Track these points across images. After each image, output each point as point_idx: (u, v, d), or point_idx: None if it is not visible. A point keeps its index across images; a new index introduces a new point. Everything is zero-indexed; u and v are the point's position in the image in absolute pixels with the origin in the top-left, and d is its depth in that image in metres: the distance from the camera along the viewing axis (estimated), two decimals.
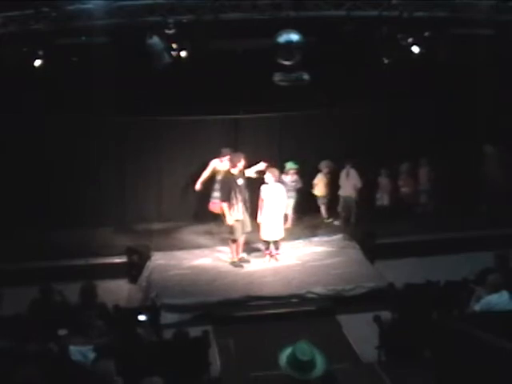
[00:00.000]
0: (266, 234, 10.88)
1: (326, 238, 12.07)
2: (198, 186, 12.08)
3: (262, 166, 10.91)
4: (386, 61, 11.26)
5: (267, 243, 11.02)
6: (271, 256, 11.05)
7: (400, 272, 10.29)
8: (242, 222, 10.77)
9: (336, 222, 12.86)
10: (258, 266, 10.95)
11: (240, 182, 10.71)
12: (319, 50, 10.68)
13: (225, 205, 10.64)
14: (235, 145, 12.59)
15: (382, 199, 13.10)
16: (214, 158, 12.04)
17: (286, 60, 9.78)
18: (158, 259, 11.16)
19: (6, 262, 10.77)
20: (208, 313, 9.52)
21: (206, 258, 11.29)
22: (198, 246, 11.86)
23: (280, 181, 11.25)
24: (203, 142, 12.66)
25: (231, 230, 10.76)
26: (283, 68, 9.99)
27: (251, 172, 10.92)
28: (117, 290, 10.31)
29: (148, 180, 13.02)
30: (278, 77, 10.15)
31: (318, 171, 12.85)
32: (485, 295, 7.29)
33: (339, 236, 12.10)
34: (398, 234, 12.02)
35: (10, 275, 10.23)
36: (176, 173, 12.94)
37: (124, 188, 12.89)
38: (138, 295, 10.38)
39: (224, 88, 11.60)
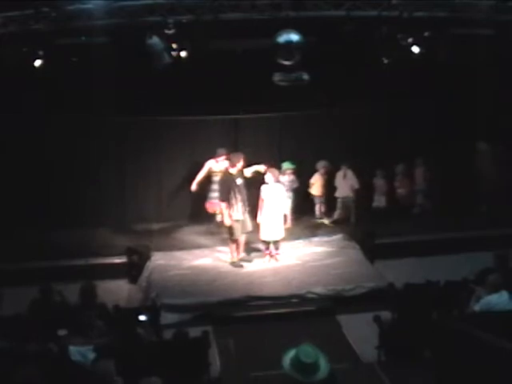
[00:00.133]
0: (266, 234, 10.88)
1: (325, 238, 12.07)
2: (193, 187, 12.10)
3: (261, 168, 10.91)
4: (385, 61, 11.26)
5: (267, 243, 11.02)
6: (271, 256, 11.04)
7: (400, 272, 10.29)
8: (242, 222, 10.78)
9: (326, 221, 12.86)
10: (257, 266, 10.94)
11: (239, 181, 10.71)
12: (319, 50, 10.68)
13: (224, 205, 10.64)
14: (235, 145, 12.61)
15: (379, 201, 13.09)
16: (210, 158, 12.07)
17: (286, 60, 9.78)
18: (158, 259, 11.16)
19: (5, 262, 10.77)
20: (208, 313, 9.51)
21: (206, 258, 11.29)
22: (198, 246, 11.86)
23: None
24: (203, 142, 12.66)
25: (230, 230, 10.76)
26: (283, 68, 9.99)
27: (249, 172, 10.91)
28: (117, 290, 10.31)
29: (148, 180, 13.03)
30: (277, 77, 10.15)
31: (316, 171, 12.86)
32: (485, 295, 7.29)
33: (339, 236, 12.10)
34: (397, 234, 12.01)
35: (9, 275, 10.23)
36: (176, 173, 12.95)
37: (124, 188, 12.89)
38: (138, 295, 10.37)
39: (224, 88, 11.61)
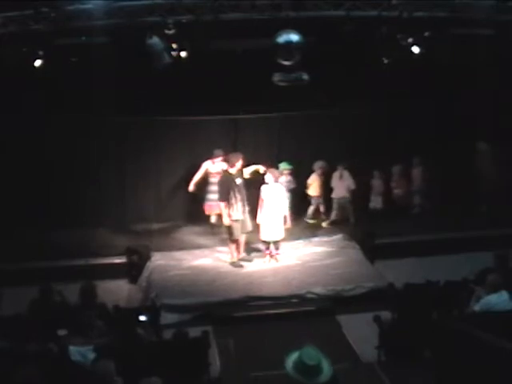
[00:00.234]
0: (266, 234, 10.88)
1: (325, 238, 12.07)
2: (191, 188, 12.11)
3: (259, 167, 10.91)
4: (385, 61, 11.25)
5: (267, 243, 11.01)
6: (271, 256, 11.04)
7: (400, 272, 10.29)
8: (242, 222, 10.77)
9: (311, 221, 12.85)
10: (257, 266, 10.95)
11: (238, 181, 10.71)
12: (319, 50, 10.68)
13: (223, 204, 10.64)
14: (235, 145, 12.61)
15: (376, 201, 13.08)
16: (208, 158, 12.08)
17: (286, 60, 9.77)
18: (158, 259, 11.16)
19: (5, 262, 10.76)
20: (208, 313, 9.51)
21: (206, 259, 11.29)
22: (198, 247, 11.87)
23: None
24: (203, 142, 12.66)
25: (229, 230, 10.76)
26: (283, 68, 9.99)
27: (247, 172, 10.92)
28: (117, 290, 10.31)
29: (148, 180, 13.02)
30: (277, 77, 10.15)
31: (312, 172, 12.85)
32: (484, 295, 7.29)
33: (339, 236, 12.10)
34: (397, 234, 12.01)
35: (10, 275, 10.23)
36: (176, 173, 12.95)
37: (124, 188, 12.89)
38: (138, 295, 10.37)
39: (224, 88, 11.60)
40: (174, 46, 10.30)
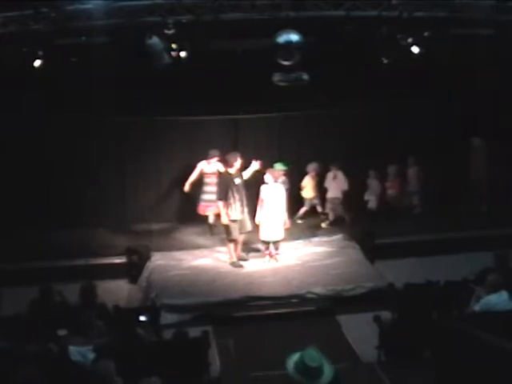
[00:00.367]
0: (266, 234, 10.87)
1: (325, 238, 12.07)
2: (186, 188, 12.11)
3: (255, 165, 10.90)
4: (385, 61, 11.26)
5: (267, 243, 11.01)
6: (271, 256, 11.04)
7: (400, 272, 10.28)
8: (240, 222, 10.77)
9: (300, 221, 12.86)
10: (257, 266, 10.94)
11: (237, 181, 10.71)
12: (319, 50, 10.68)
13: (221, 204, 10.64)
14: (235, 145, 12.61)
15: (371, 201, 13.07)
16: (196, 159, 12.08)
17: (286, 60, 9.78)
18: (158, 259, 11.16)
19: (5, 262, 10.76)
20: (208, 313, 9.51)
21: (206, 259, 11.29)
22: (198, 247, 11.88)
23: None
24: (203, 142, 12.66)
25: (228, 230, 10.76)
26: (283, 68, 9.99)
27: (247, 174, 10.92)
28: (117, 290, 10.30)
29: (148, 180, 13.04)
30: (277, 77, 10.15)
31: (307, 174, 12.83)
32: (484, 295, 7.29)
33: (339, 236, 12.10)
34: (397, 234, 12.00)
35: (10, 275, 10.23)
36: (176, 173, 12.95)
37: (124, 188, 12.90)
38: (138, 295, 10.37)
39: (224, 88, 11.61)
40: (174, 46, 10.30)
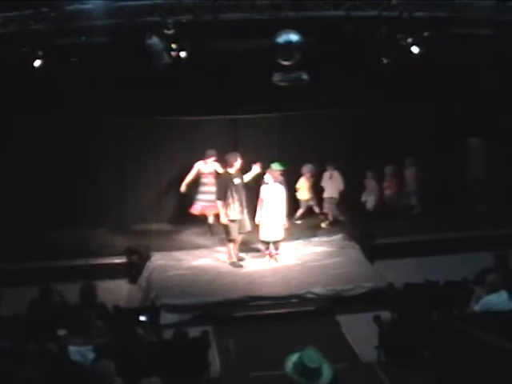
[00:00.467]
0: (266, 234, 10.87)
1: (325, 239, 12.07)
2: (182, 188, 12.11)
3: (256, 169, 10.90)
4: (385, 61, 11.26)
5: (267, 243, 11.01)
6: (271, 256, 11.04)
7: (400, 272, 10.28)
8: (239, 222, 10.77)
9: (298, 222, 12.85)
10: (257, 266, 10.94)
11: (237, 181, 10.70)
12: (319, 50, 10.69)
13: (220, 203, 10.64)
14: (235, 145, 12.60)
15: (369, 202, 13.06)
16: (199, 159, 12.08)
17: (286, 60, 9.78)
18: (158, 259, 11.16)
19: (5, 262, 10.76)
20: (208, 313, 9.51)
21: (206, 259, 11.29)
22: (198, 247, 11.87)
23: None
24: (203, 142, 12.65)
25: (227, 229, 10.76)
26: (282, 68, 9.99)
27: (248, 177, 10.92)
28: (116, 290, 10.30)
29: (148, 180, 13.03)
30: (277, 77, 10.16)
31: (304, 175, 12.81)
32: (484, 295, 7.29)
33: (339, 236, 12.10)
34: (397, 234, 12.00)
35: (10, 275, 10.23)
36: (176, 173, 12.94)
37: (124, 188, 12.90)
38: (138, 295, 10.37)
39: (224, 88, 11.61)
40: (174, 46, 10.30)
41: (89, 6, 9.26)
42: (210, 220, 12.14)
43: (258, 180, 11.02)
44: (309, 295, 9.87)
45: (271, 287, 10.19)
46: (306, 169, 12.73)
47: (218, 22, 9.56)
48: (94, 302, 7.79)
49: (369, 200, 13.06)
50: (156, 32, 9.84)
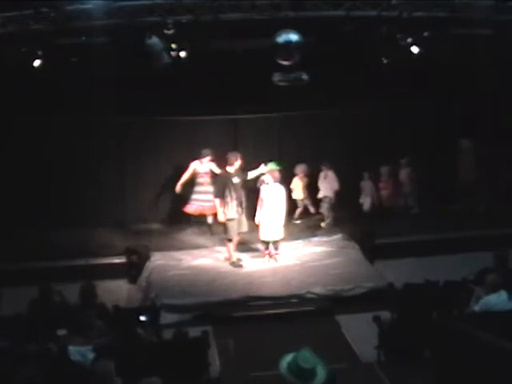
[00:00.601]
0: (266, 234, 10.87)
1: (325, 238, 12.07)
2: (177, 188, 12.09)
3: (263, 169, 10.90)
4: (385, 61, 11.26)
5: (266, 243, 11.01)
6: (270, 256, 11.04)
7: (399, 272, 10.28)
8: (238, 221, 10.77)
9: (298, 221, 12.87)
10: (257, 266, 10.94)
11: (236, 180, 10.71)
12: (318, 50, 10.69)
13: (217, 201, 10.64)
14: (235, 145, 12.60)
15: (366, 203, 13.04)
16: (195, 159, 12.07)
17: (285, 60, 9.78)
18: (158, 259, 11.16)
19: (5, 261, 10.76)
20: (208, 313, 9.51)
21: (206, 259, 11.30)
22: (198, 247, 11.87)
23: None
24: (203, 142, 12.63)
25: (226, 229, 10.76)
26: (282, 68, 9.99)
27: (252, 176, 10.92)
28: (116, 290, 10.30)
29: (148, 180, 13.03)
30: (277, 77, 10.16)
31: (300, 175, 12.80)
32: (484, 295, 7.29)
33: (338, 236, 12.10)
34: (397, 234, 12.00)
35: (10, 275, 10.23)
36: (176, 173, 12.93)
37: (124, 188, 12.90)
38: (138, 295, 10.37)
39: (223, 88, 11.61)
40: (174, 46, 10.30)
41: (89, 5, 9.26)
42: (209, 220, 12.15)
43: (258, 180, 11.01)
44: (308, 295, 9.87)
45: (271, 287, 10.19)
46: (300, 169, 12.73)
47: (217, 22, 9.56)
48: (93, 302, 7.79)
49: (365, 202, 13.04)
50: (156, 32, 9.84)
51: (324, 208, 12.75)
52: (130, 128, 12.77)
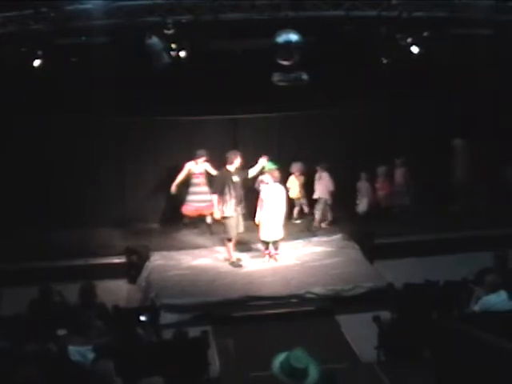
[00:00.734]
0: (266, 234, 10.87)
1: (325, 238, 12.07)
2: (172, 189, 12.08)
3: (263, 162, 10.89)
4: (385, 61, 11.26)
5: (266, 243, 11.01)
6: (270, 256, 11.04)
7: (399, 272, 10.29)
8: (237, 221, 10.77)
9: (298, 221, 12.89)
10: (257, 266, 10.95)
11: (235, 179, 10.70)
12: (318, 50, 10.69)
13: (215, 197, 10.65)
14: (235, 145, 12.59)
15: (362, 204, 13.03)
16: (192, 159, 12.05)
17: (285, 60, 9.78)
18: (157, 259, 11.16)
19: (5, 261, 10.76)
20: (207, 313, 9.51)
21: (205, 259, 11.30)
22: (197, 247, 11.87)
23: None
24: (203, 142, 12.64)
25: (225, 228, 10.76)
26: (282, 68, 9.99)
27: (254, 171, 10.91)
28: (116, 290, 10.31)
29: (148, 180, 13.03)
30: (277, 77, 10.16)
31: (302, 173, 12.81)
32: (483, 295, 7.30)
33: (338, 236, 12.10)
34: (397, 234, 11.99)
35: (10, 275, 10.23)
36: (176, 173, 12.92)
37: (124, 188, 12.90)
38: (138, 295, 10.38)
39: (223, 88, 11.61)
40: (174, 46, 10.30)
41: (89, 5, 9.25)
42: (208, 220, 12.15)
43: (256, 181, 11.02)
44: (308, 295, 9.88)
45: (271, 287, 10.19)
46: (296, 167, 12.73)
47: (217, 22, 9.56)
48: (93, 302, 7.80)
49: (361, 203, 13.03)
50: (156, 32, 9.84)
51: (317, 209, 12.74)
52: (129, 128, 12.77)
